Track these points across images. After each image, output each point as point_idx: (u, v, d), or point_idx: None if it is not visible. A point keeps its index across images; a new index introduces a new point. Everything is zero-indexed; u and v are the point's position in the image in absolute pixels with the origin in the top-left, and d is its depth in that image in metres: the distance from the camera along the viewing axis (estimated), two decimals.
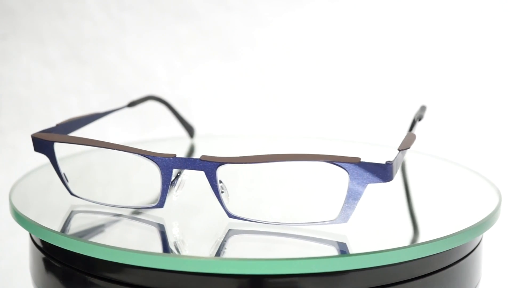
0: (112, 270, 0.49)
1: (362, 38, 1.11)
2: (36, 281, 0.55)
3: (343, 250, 0.49)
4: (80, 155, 0.72)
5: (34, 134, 0.57)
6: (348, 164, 0.49)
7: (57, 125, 0.64)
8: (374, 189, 0.64)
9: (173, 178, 0.52)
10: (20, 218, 0.53)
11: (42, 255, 0.54)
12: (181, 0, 1.13)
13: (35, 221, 0.52)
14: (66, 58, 1.14)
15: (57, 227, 0.53)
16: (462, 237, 0.50)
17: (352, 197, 0.50)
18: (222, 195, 0.51)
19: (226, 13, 1.12)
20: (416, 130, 0.62)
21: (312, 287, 0.47)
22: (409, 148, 0.53)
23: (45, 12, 1.13)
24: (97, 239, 0.52)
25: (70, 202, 0.58)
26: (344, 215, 0.50)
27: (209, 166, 0.50)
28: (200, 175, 0.50)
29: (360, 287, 0.48)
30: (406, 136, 0.55)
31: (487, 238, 0.65)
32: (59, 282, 0.52)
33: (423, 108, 0.67)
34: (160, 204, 0.52)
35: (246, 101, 1.01)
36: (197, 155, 0.76)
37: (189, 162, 0.50)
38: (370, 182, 0.50)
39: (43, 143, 0.56)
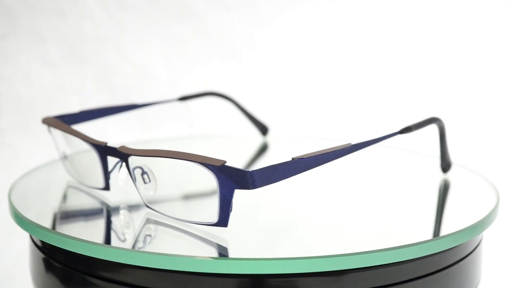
0: (112, 270, 0.49)
1: (362, 38, 1.11)
2: (36, 281, 0.55)
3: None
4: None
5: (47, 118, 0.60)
6: (214, 167, 0.49)
7: (81, 112, 0.65)
8: (374, 189, 0.64)
9: (114, 165, 0.56)
10: (20, 220, 0.53)
11: (42, 255, 0.54)
12: (181, 0, 1.13)
13: (35, 221, 0.52)
14: (66, 58, 1.14)
15: (57, 227, 0.53)
16: (461, 236, 0.51)
17: (224, 200, 0.49)
18: (137, 183, 0.52)
19: (226, 13, 1.12)
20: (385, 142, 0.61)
21: (312, 287, 0.47)
22: (303, 157, 0.51)
23: (45, 12, 1.13)
24: (96, 238, 0.52)
25: (70, 202, 0.58)
26: (223, 219, 0.50)
27: (122, 155, 0.53)
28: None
29: (360, 287, 0.48)
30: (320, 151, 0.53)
31: (487, 238, 0.65)
32: (59, 282, 0.52)
33: (407, 129, 0.59)
34: (106, 187, 0.57)
35: (246, 101, 1.01)
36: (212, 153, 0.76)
37: (112, 151, 0.54)
38: (236, 188, 0.49)
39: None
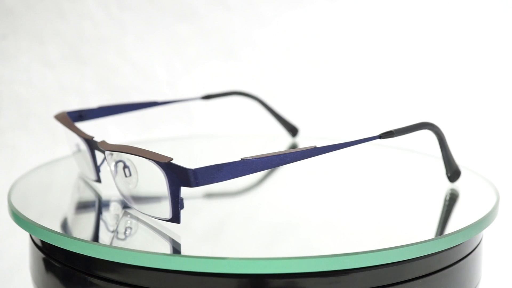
0: (112, 270, 0.49)
1: (362, 39, 1.11)
2: (36, 281, 0.55)
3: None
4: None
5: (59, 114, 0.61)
6: (161, 164, 0.49)
7: (99, 107, 0.66)
8: (374, 189, 0.64)
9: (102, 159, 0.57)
10: (20, 219, 0.53)
11: (42, 255, 0.54)
12: (181, 0, 1.13)
13: (35, 221, 0.52)
14: (66, 58, 1.14)
15: (57, 227, 0.53)
16: (461, 235, 0.51)
17: (173, 197, 0.49)
18: (117, 177, 0.53)
19: (226, 13, 1.12)
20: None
21: (312, 287, 0.47)
22: (252, 157, 0.50)
23: (45, 12, 1.13)
24: (96, 238, 0.52)
25: (70, 202, 0.58)
26: (175, 215, 0.50)
27: (102, 150, 0.55)
28: None
29: (360, 287, 0.48)
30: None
31: (487, 238, 0.65)
32: (59, 282, 0.52)
33: (389, 133, 0.56)
34: (98, 179, 0.58)
35: (246, 101, 1.01)
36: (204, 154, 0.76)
37: (96, 145, 0.56)
38: (181, 185, 0.49)
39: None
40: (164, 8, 1.13)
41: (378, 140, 0.54)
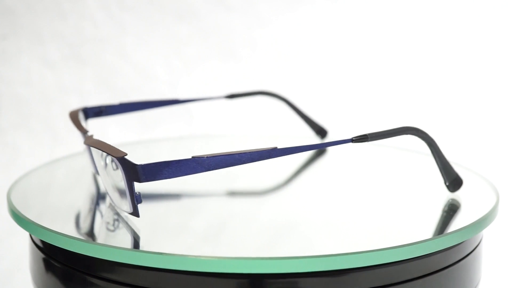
0: (112, 270, 0.49)
1: (362, 39, 1.11)
2: (36, 281, 0.55)
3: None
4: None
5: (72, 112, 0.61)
6: (118, 158, 0.49)
7: (120, 104, 0.67)
8: (374, 189, 0.64)
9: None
10: (20, 219, 0.53)
11: (42, 255, 0.54)
12: (181, 0, 1.13)
13: (35, 221, 0.52)
14: (66, 58, 1.14)
15: (57, 227, 0.53)
16: (460, 235, 0.51)
17: (130, 191, 0.50)
18: (106, 169, 0.53)
19: (226, 14, 1.12)
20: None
21: (312, 287, 0.47)
22: (203, 156, 0.49)
23: (45, 12, 1.13)
24: (97, 238, 0.52)
25: (70, 202, 0.58)
26: (134, 209, 0.50)
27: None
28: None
29: (360, 287, 0.48)
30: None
31: (487, 238, 0.65)
32: (59, 282, 0.52)
33: (363, 138, 0.53)
34: (97, 172, 0.57)
35: (246, 101, 1.01)
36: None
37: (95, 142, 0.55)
38: (133, 180, 0.49)
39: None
40: (164, 8, 1.13)
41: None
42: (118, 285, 0.49)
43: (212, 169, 0.49)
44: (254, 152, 0.49)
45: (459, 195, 0.60)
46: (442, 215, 0.56)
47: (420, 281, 0.50)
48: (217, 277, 0.47)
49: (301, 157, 0.72)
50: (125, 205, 0.52)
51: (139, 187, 0.50)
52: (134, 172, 0.49)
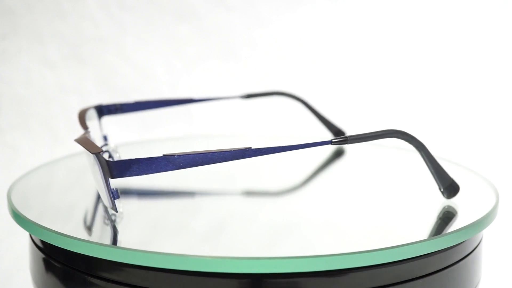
0: (112, 270, 0.49)
1: (362, 39, 1.11)
2: (36, 281, 0.55)
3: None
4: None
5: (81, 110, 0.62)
6: (94, 155, 0.49)
7: (135, 102, 0.68)
8: (374, 189, 0.64)
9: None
10: (20, 218, 0.53)
11: (42, 255, 0.54)
12: (181, 0, 1.13)
13: (35, 221, 0.52)
14: (66, 58, 1.14)
15: (57, 227, 0.53)
16: (460, 235, 0.51)
17: (107, 187, 0.50)
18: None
19: (226, 14, 1.12)
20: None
21: (312, 286, 0.47)
22: (174, 155, 0.49)
23: (45, 12, 1.13)
24: (97, 238, 0.52)
25: (70, 202, 0.58)
26: (113, 204, 0.51)
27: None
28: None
29: (360, 287, 0.48)
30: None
31: (487, 238, 0.65)
32: (59, 282, 0.52)
33: (343, 140, 0.51)
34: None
35: (246, 101, 1.01)
36: None
37: (81, 139, 0.55)
38: (107, 176, 0.49)
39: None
40: (164, 8, 1.13)
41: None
42: (118, 285, 0.49)
43: (183, 168, 0.49)
44: (227, 152, 0.49)
45: (459, 195, 0.60)
46: (442, 215, 0.56)
47: (420, 281, 0.50)
48: (217, 277, 0.47)
49: (301, 157, 0.72)
50: (105, 201, 0.52)
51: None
52: (108, 168, 0.49)
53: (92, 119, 0.64)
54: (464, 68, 1.09)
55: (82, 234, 0.53)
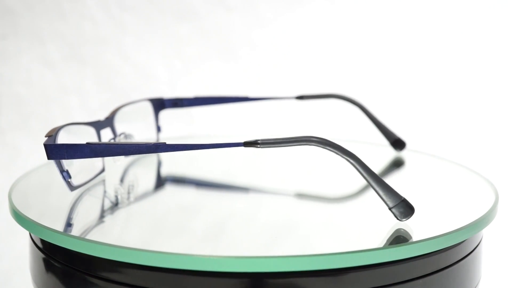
0: (112, 270, 0.49)
1: (362, 39, 1.11)
2: (36, 281, 0.55)
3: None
4: None
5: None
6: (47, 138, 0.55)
7: (196, 98, 0.71)
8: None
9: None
10: (20, 218, 0.53)
11: (42, 255, 0.54)
12: (181, 0, 1.13)
13: (36, 220, 0.52)
14: (66, 58, 1.14)
15: (58, 226, 0.53)
16: (460, 235, 0.51)
17: (57, 165, 0.55)
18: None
19: (226, 14, 1.12)
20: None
21: (312, 286, 0.47)
22: (96, 143, 0.54)
23: (45, 12, 1.13)
24: (97, 237, 0.52)
25: (70, 202, 0.58)
26: (68, 185, 0.56)
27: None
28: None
29: (360, 287, 0.48)
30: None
31: (487, 238, 0.65)
32: (59, 282, 0.52)
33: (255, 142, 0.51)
34: None
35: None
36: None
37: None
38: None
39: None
40: (164, 8, 1.13)
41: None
42: (118, 285, 0.49)
43: (103, 156, 0.53)
44: (142, 144, 0.52)
45: (459, 195, 0.60)
46: (441, 215, 0.56)
47: (420, 281, 0.50)
48: (217, 276, 0.47)
49: (302, 157, 0.72)
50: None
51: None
52: (45, 150, 0.54)
53: (143, 111, 0.69)
54: (464, 68, 1.09)
55: (82, 233, 0.53)
